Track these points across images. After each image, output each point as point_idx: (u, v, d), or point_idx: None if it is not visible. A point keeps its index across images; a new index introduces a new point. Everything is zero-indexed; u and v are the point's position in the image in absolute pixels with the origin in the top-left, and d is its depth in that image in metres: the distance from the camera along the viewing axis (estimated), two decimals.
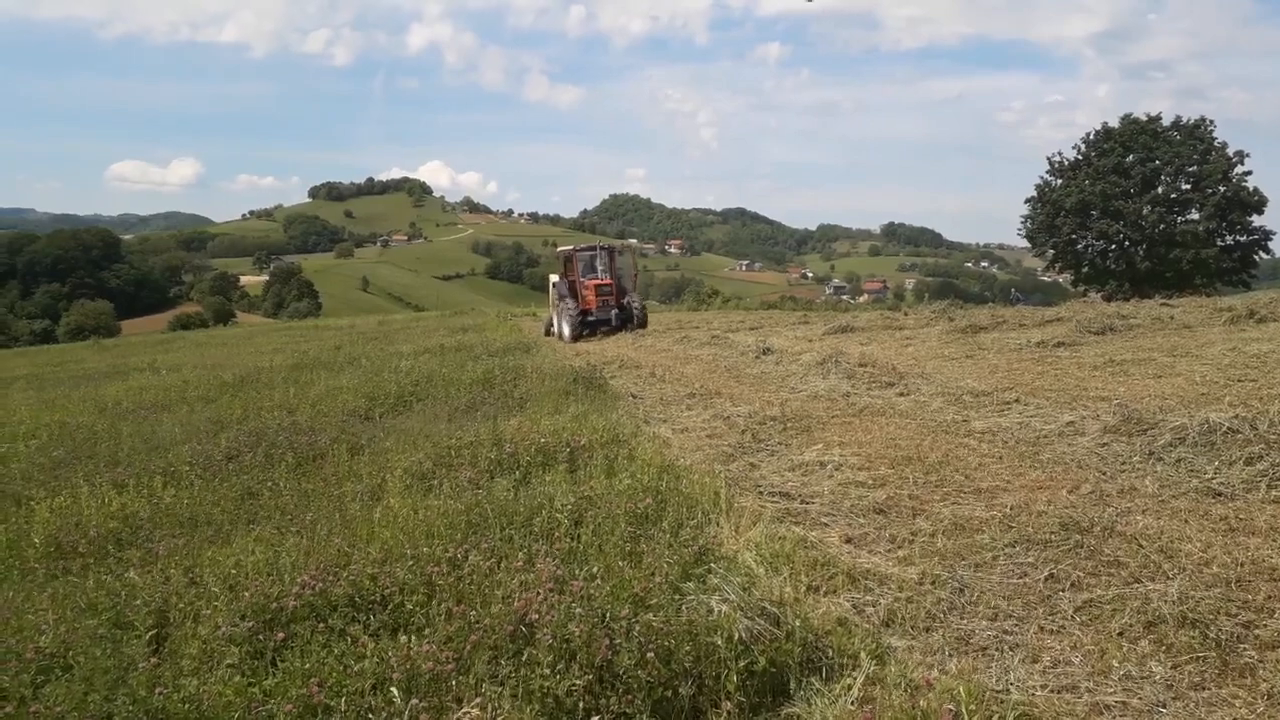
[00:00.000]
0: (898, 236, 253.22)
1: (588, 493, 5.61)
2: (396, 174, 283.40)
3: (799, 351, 13.19)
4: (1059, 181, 41.27)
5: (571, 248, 23.48)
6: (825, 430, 7.85)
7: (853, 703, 3.20)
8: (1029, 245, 44.87)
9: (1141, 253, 39.20)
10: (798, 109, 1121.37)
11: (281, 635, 3.79)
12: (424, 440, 7.72)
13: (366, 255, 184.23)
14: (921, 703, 3.04)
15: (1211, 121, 38.82)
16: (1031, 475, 5.95)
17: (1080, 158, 41.04)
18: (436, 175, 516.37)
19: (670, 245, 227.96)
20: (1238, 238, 38.38)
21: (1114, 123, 40.53)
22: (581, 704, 3.18)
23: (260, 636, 3.80)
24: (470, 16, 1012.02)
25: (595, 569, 4.28)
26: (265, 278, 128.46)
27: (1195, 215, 38.17)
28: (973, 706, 3.03)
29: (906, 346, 14.23)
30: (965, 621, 3.89)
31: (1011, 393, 8.85)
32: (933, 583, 4.28)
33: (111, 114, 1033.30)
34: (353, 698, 3.26)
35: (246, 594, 4.11)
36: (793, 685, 3.38)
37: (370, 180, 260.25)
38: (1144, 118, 40.09)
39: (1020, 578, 4.28)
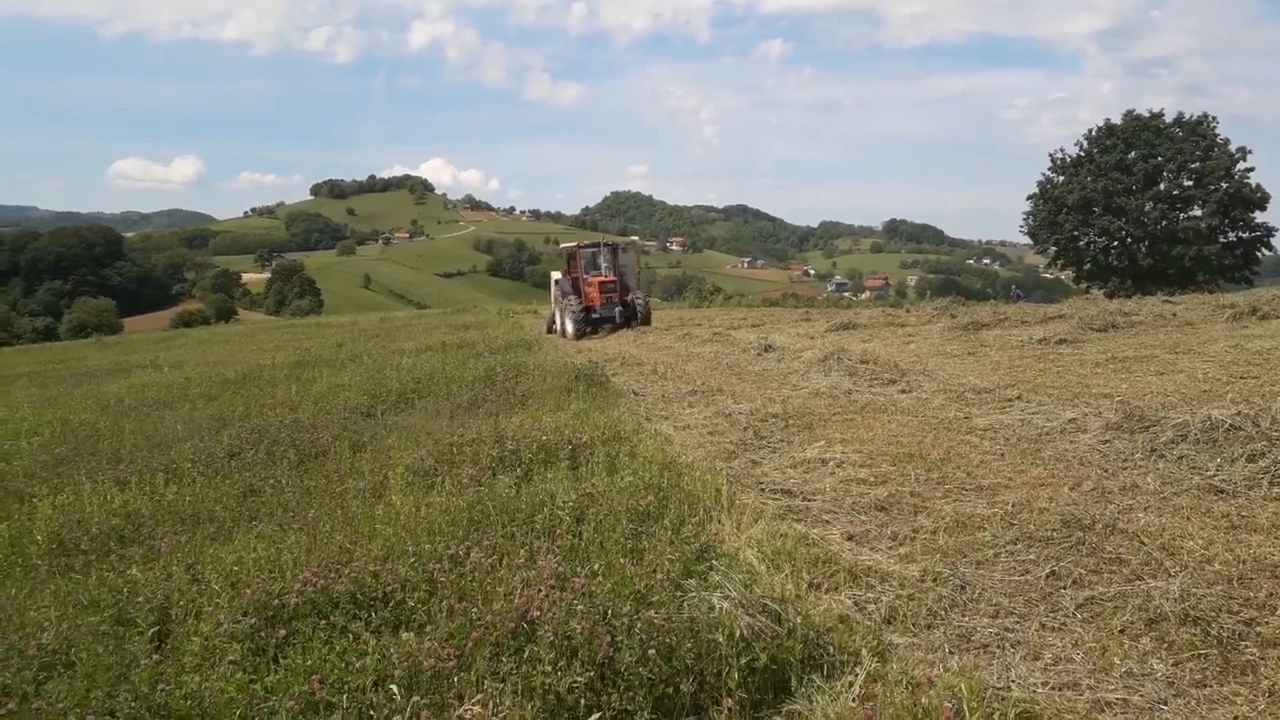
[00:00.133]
0: (900, 233, 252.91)
1: (589, 490, 5.62)
2: (398, 171, 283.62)
3: (801, 349, 13.19)
4: (1061, 178, 41.09)
5: (574, 244, 23.01)
6: (827, 427, 7.85)
7: (854, 700, 3.20)
8: (1031, 242, 44.64)
9: (1144, 249, 39.04)
10: (800, 106, 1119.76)
11: (283, 632, 3.80)
12: (426, 437, 7.74)
13: (368, 253, 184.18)
14: (923, 700, 3.04)
15: (1214, 118, 38.71)
16: (1033, 472, 5.94)
17: (1083, 154, 40.87)
18: (438, 173, 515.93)
19: (672, 242, 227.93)
20: (1240, 234, 38.21)
21: (1117, 119, 40.50)
22: (583, 701, 3.18)
23: (262, 633, 3.82)
24: (472, 14, 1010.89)
25: (597, 566, 4.30)
26: (267, 275, 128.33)
27: (1198, 212, 38.00)
28: (974, 704, 3.02)
29: (908, 343, 14.21)
30: (967, 619, 3.89)
31: (1013, 390, 8.85)
32: (934, 580, 4.28)
33: (113, 112, 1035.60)
34: (354, 694, 3.26)
35: (248, 591, 4.13)
36: (794, 682, 3.39)
37: (372, 178, 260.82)
38: (1147, 114, 39.94)
39: (1022, 575, 4.28)
